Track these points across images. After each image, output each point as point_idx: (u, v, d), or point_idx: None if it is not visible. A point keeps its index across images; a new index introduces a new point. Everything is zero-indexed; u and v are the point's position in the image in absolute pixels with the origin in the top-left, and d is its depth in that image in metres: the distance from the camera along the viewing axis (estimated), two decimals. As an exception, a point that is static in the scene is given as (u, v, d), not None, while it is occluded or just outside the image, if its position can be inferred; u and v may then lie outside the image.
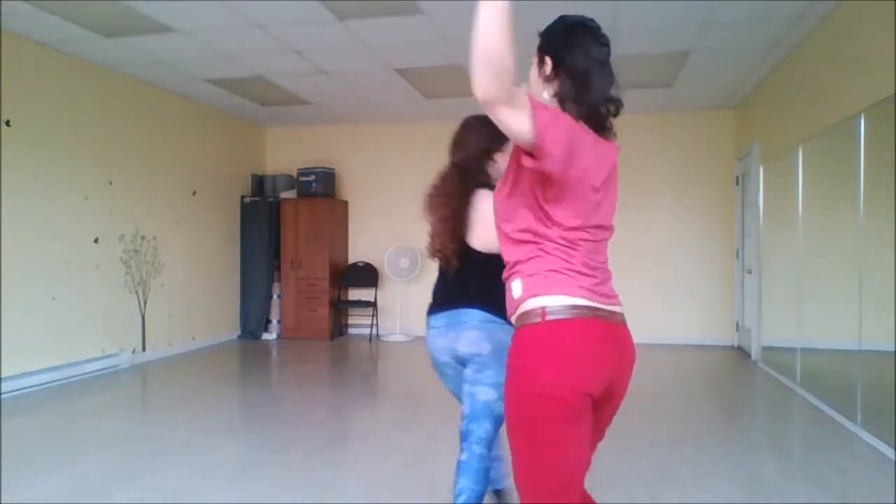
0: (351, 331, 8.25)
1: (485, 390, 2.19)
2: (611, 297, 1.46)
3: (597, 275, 1.43)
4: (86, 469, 3.18)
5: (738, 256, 7.08)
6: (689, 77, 5.94)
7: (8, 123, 4.73)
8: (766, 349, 5.93)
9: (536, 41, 1.54)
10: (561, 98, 1.45)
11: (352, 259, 8.22)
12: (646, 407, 4.43)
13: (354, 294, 8.21)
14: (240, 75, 5.94)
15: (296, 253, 7.78)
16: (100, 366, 5.55)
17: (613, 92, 1.46)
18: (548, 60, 1.47)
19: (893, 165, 3.37)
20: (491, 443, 2.21)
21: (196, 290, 6.96)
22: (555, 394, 1.33)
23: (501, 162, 2.22)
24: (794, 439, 3.82)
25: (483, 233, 2.19)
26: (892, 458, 3.34)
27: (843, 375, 4.09)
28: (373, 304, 7.82)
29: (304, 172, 7.80)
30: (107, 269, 5.69)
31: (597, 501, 1.58)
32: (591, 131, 1.44)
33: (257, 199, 7.79)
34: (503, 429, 1.78)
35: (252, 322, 7.73)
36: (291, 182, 8.03)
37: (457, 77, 5.96)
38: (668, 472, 3.15)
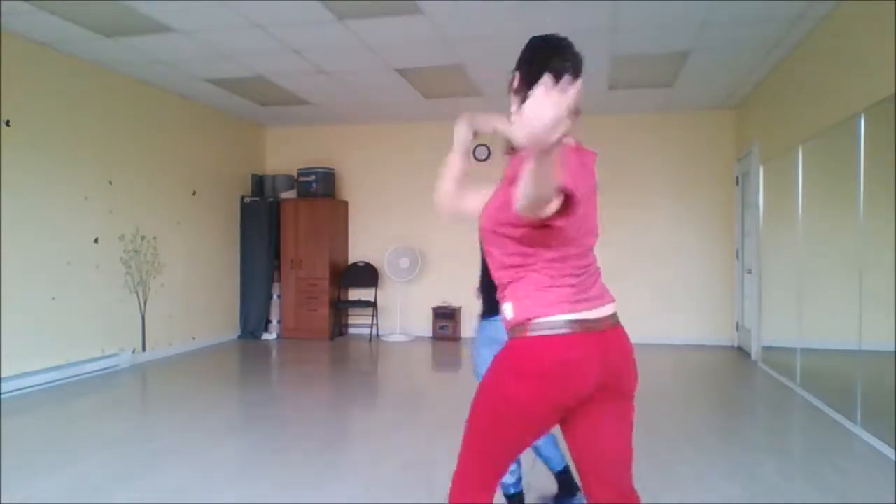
0: (351, 331, 8.26)
1: None
2: (598, 298, 1.48)
3: (583, 280, 1.47)
4: (86, 469, 3.18)
5: (738, 256, 7.08)
6: (689, 77, 5.94)
7: (8, 123, 4.74)
8: (766, 349, 5.93)
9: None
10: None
11: (352, 259, 8.22)
12: (646, 407, 4.43)
13: (354, 294, 8.21)
14: (240, 75, 5.94)
15: (296, 253, 7.78)
16: (100, 366, 5.55)
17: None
18: (516, 75, 1.55)
19: (893, 165, 3.37)
20: None
21: (196, 290, 6.96)
22: (522, 408, 1.42)
23: None
24: (794, 439, 3.82)
25: None
26: (892, 458, 3.34)
27: (843, 375, 4.09)
28: (373, 304, 7.82)
29: (304, 172, 7.80)
30: (107, 269, 5.69)
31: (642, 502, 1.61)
32: (572, 147, 1.49)
33: (257, 199, 7.79)
34: None
35: (252, 322, 7.73)
36: (291, 182, 8.03)
37: (457, 77, 5.97)
38: (668, 472, 3.15)
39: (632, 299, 7.32)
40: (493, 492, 1.53)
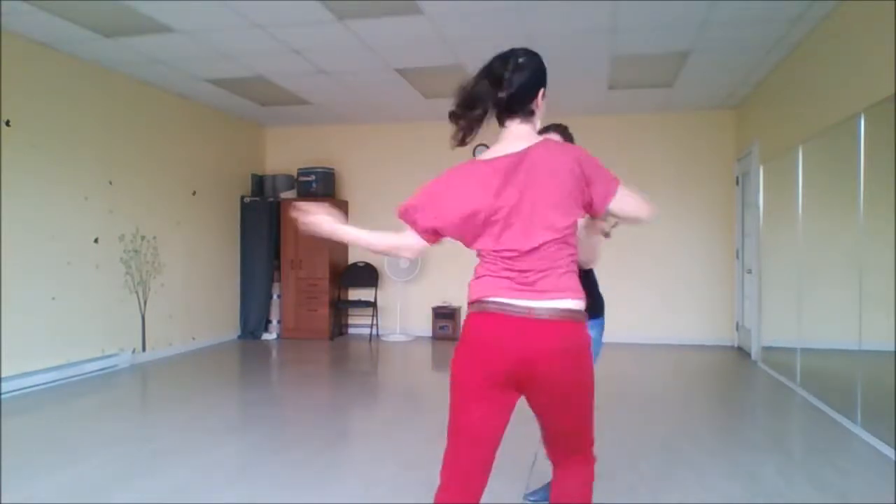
0: (351, 331, 8.26)
1: None
2: (540, 293, 1.59)
3: (523, 277, 1.61)
4: (86, 469, 3.18)
5: (738, 256, 7.08)
6: (689, 77, 5.94)
7: (8, 123, 4.74)
8: (766, 349, 5.93)
9: (538, 44, 1.69)
10: None
11: (352, 259, 8.22)
12: (646, 407, 4.43)
13: (354, 294, 8.21)
14: (240, 75, 5.94)
15: (296, 253, 7.78)
16: (100, 366, 5.55)
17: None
18: (543, 91, 1.75)
19: (893, 165, 3.37)
20: None
21: (196, 290, 6.96)
22: (456, 377, 1.67)
23: None
24: (794, 439, 3.82)
25: None
26: (892, 458, 3.34)
27: (843, 375, 4.09)
28: (373, 304, 7.82)
29: (304, 172, 7.80)
30: (107, 269, 5.69)
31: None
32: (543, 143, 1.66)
33: (257, 199, 7.79)
34: None
35: (252, 322, 7.73)
36: (291, 182, 8.03)
37: (457, 77, 5.92)
38: (668, 472, 3.15)
39: (632, 299, 7.32)
40: (469, 461, 1.66)
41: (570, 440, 1.74)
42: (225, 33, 4.81)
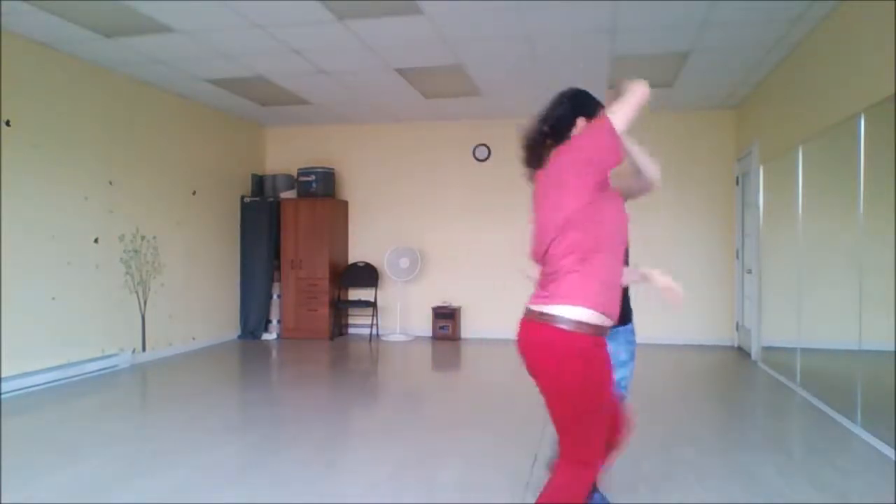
0: (351, 331, 8.26)
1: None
2: (542, 297, 1.83)
3: (541, 282, 1.88)
4: (86, 469, 3.18)
5: (738, 256, 7.08)
6: (689, 77, 5.94)
7: (8, 123, 4.73)
8: (766, 349, 5.93)
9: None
10: None
11: (352, 259, 8.22)
12: (646, 407, 4.43)
13: (354, 294, 8.21)
14: (240, 75, 5.94)
15: (296, 253, 7.78)
16: (100, 366, 5.55)
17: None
18: (579, 121, 2.20)
19: (893, 165, 3.37)
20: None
21: (196, 290, 6.96)
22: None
23: None
24: (794, 439, 3.82)
25: None
26: (892, 458, 3.34)
27: (843, 375, 4.09)
28: (373, 304, 7.82)
29: (304, 172, 7.80)
30: (107, 269, 5.69)
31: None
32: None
33: (257, 199, 7.79)
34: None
35: (252, 322, 7.73)
36: (291, 182, 8.03)
37: (457, 77, 5.97)
38: (668, 472, 3.15)
39: (631, 299, 7.30)
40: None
41: (560, 438, 1.87)
42: (225, 33, 4.81)
